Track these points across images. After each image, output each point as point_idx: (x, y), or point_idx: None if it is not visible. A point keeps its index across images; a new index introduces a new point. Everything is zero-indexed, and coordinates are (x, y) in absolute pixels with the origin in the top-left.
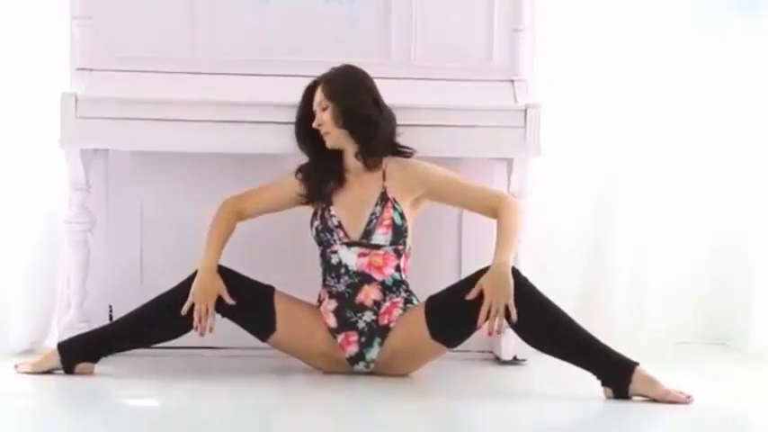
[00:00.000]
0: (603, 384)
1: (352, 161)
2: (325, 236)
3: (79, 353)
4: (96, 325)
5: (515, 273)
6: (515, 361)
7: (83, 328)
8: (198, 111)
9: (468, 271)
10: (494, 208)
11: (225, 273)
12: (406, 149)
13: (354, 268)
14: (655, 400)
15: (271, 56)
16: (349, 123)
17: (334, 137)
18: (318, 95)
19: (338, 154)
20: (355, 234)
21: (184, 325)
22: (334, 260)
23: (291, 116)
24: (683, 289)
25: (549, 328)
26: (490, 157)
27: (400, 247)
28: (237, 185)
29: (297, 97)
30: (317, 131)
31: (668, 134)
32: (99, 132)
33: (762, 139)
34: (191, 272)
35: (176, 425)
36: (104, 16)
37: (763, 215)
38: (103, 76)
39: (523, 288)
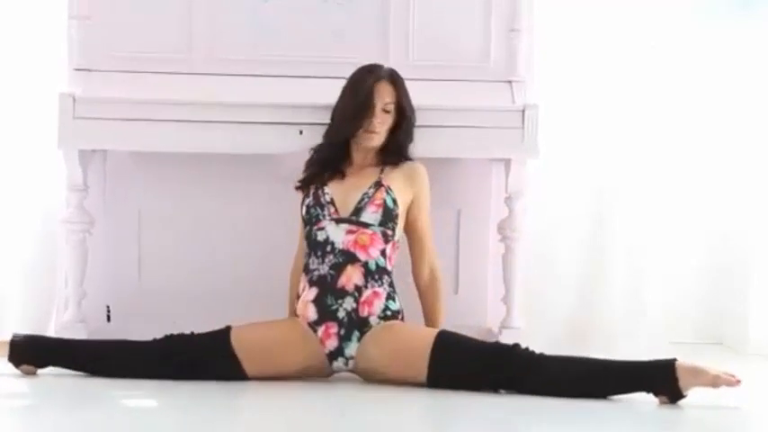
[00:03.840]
0: (656, 395)
1: (360, 157)
2: (315, 211)
3: (31, 355)
4: (94, 325)
5: (516, 349)
6: None
7: (81, 328)
8: (196, 111)
9: (465, 269)
10: (431, 268)
11: (172, 339)
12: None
13: (340, 246)
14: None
15: (268, 56)
16: (399, 135)
17: (380, 139)
18: (388, 95)
19: (347, 147)
20: (345, 212)
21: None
22: (321, 237)
23: (290, 116)
24: (680, 289)
25: (567, 377)
26: (488, 158)
27: (389, 232)
28: (235, 186)
29: (295, 97)
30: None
31: (666, 134)
32: (97, 133)
33: (759, 140)
34: (188, 272)
35: (174, 425)
36: (102, 16)
37: (761, 216)
38: (101, 77)
39: (529, 358)
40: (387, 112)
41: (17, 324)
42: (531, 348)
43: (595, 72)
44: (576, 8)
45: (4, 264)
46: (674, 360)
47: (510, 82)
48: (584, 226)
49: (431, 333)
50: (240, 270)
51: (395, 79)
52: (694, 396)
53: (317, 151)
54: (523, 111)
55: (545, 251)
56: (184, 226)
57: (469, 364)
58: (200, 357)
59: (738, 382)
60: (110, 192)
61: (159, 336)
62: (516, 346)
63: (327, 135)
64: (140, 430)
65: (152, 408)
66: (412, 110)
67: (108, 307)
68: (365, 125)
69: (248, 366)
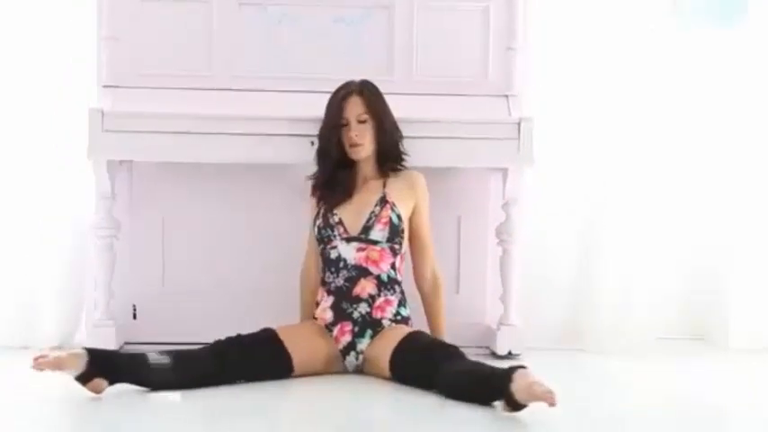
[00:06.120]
0: (504, 403)
1: (362, 172)
2: (326, 232)
3: (106, 369)
4: (122, 323)
5: (450, 349)
6: (510, 355)
7: (109, 326)
8: (215, 125)
9: (465, 270)
10: (433, 271)
11: (223, 343)
12: (401, 165)
13: (352, 262)
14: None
15: (283, 73)
16: (383, 141)
17: (366, 150)
18: (358, 107)
19: (351, 164)
20: (355, 231)
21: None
22: (334, 255)
23: (303, 128)
24: (665, 288)
25: (457, 382)
26: (486, 167)
27: (396, 246)
28: (251, 193)
29: (308, 111)
30: (338, 142)
31: (652, 141)
32: (124, 145)
33: (739, 145)
34: (208, 274)
35: (197, 418)
36: (129, 37)
37: (741, 218)
38: (128, 93)
39: (451, 357)
40: (362, 122)
41: (50, 324)
42: (462, 352)
43: (586, 85)
44: (566, 28)
45: (39, 267)
46: (516, 369)
47: (506, 96)
48: (573, 229)
49: (403, 332)
50: (257, 274)
51: (362, 90)
52: (676, 392)
53: (324, 174)
54: (519, 123)
55: (537, 254)
56: (205, 231)
57: (414, 361)
58: (255, 356)
59: (553, 405)
60: (136, 199)
61: (180, 333)
62: (450, 346)
63: (318, 157)
64: (164, 422)
65: (174, 401)
66: (386, 113)
67: (134, 306)
68: (346, 140)
69: (296, 359)
